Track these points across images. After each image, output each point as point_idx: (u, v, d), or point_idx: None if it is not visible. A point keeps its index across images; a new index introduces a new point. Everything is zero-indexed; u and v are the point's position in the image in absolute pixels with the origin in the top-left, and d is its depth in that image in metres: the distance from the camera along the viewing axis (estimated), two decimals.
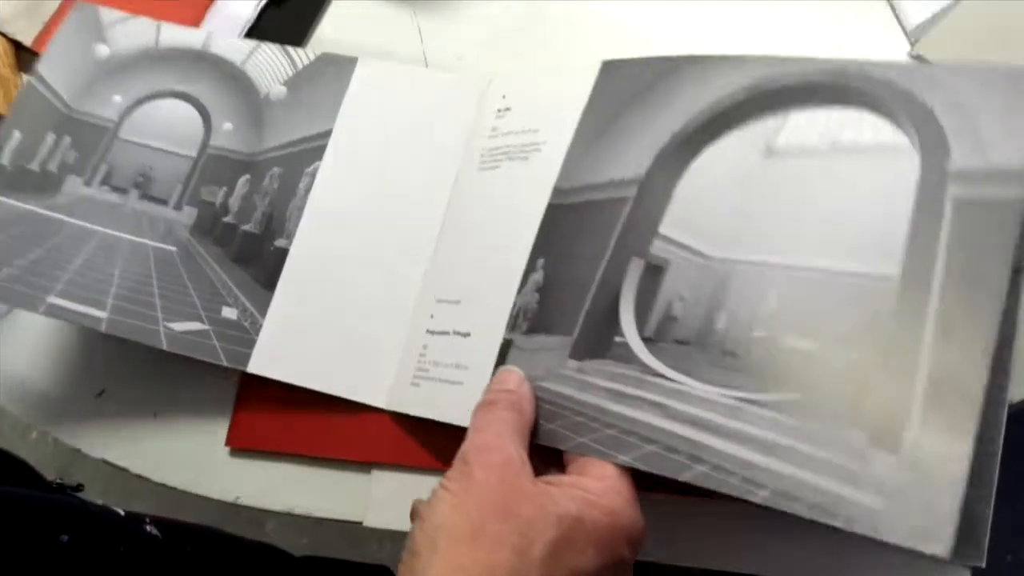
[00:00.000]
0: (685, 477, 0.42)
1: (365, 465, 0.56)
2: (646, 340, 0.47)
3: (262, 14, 0.72)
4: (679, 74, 0.52)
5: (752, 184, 0.47)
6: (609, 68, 0.55)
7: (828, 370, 0.41)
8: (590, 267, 0.50)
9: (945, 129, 0.43)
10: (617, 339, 0.48)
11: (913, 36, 0.53)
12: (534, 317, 0.51)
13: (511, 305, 0.52)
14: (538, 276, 0.52)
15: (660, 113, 0.52)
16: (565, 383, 0.48)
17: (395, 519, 0.54)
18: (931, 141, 0.43)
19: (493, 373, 0.50)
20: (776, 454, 0.40)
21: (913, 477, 0.37)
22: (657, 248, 0.48)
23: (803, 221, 0.45)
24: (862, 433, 0.39)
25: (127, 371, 0.64)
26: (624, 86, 0.54)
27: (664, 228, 0.49)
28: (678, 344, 0.46)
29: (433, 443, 0.55)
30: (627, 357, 0.47)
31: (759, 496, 0.40)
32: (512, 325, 0.52)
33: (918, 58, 0.51)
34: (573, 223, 0.52)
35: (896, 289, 0.41)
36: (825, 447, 0.40)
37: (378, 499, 0.55)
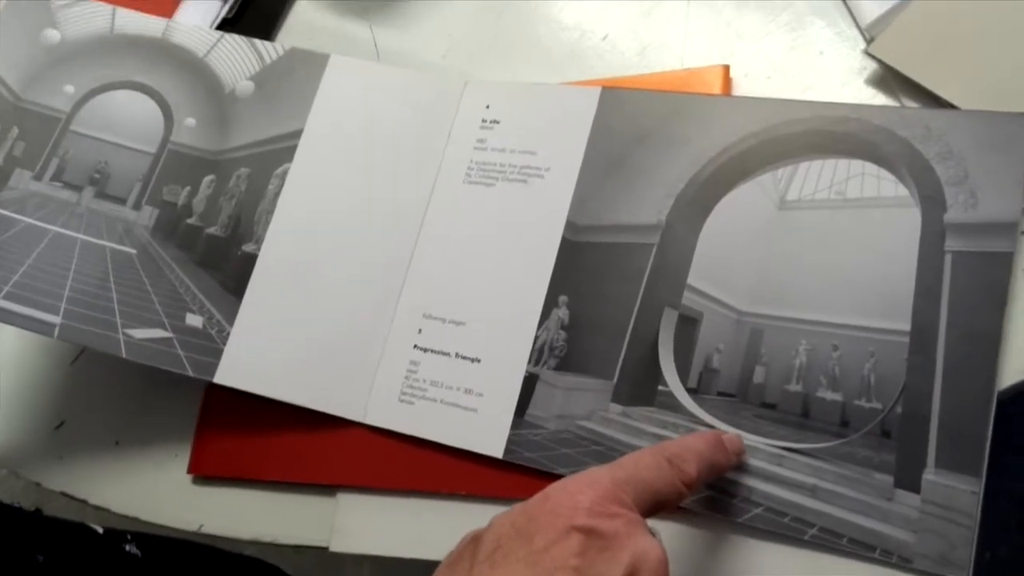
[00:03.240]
0: (743, 519, 0.44)
1: (330, 488, 0.52)
2: (689, 391, 0.48)
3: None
4: (686, 114, 0.51)
5: (770, 237, 0.49)
6: (609, 97, 0.53)
7: (855, 419, 0.44)
8: (620, 312, 0.50)
9: (941, 181, 0.45)
10: (661, 388, 0.48)
11: (869, 33, 0.51)
12: (564, 355, 0.50)
13: (531, 338, 0.50)
14: (562, 313, 0.50)
15: (672, 155, 0.51)
16: (611, 426, 0.48)
17: (361, 542, 0.50)
18: (929, 194, 0.45)
19: (517, 405, 0.49)
20: (819, 496, 0.43)
21: (935, 513, 0.41)
22: (689, 300, 0.49)
23: (820, 277, 0.47)
24: (887, 476, 0.42)
25: (87, 402, 0.59)
26: (629, 120, 0.52)
27: (693, 279, 0.49)
28: (721, 396, 0.47)
29: (403, 464, 0.51)
30: (673, 406, 0.48)
31: (808, 534, 0.43)
32: (536, 359, 0.50)
33: (873, 57, 0.50)
34: (596, 264, 0.51)
35: (907, 343, 0.44)
36: (858, 489, 0.43)
37: (343, 522, 0.51)
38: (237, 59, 0.60)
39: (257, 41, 0.60)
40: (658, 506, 0.36)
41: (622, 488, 0.35)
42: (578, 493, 0.34)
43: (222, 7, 0.64)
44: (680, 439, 0.40)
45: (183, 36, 0.61)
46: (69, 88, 0.60)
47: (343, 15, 0.64)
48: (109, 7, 0.61)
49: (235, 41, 0.60)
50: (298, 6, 0.66)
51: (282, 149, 0.56)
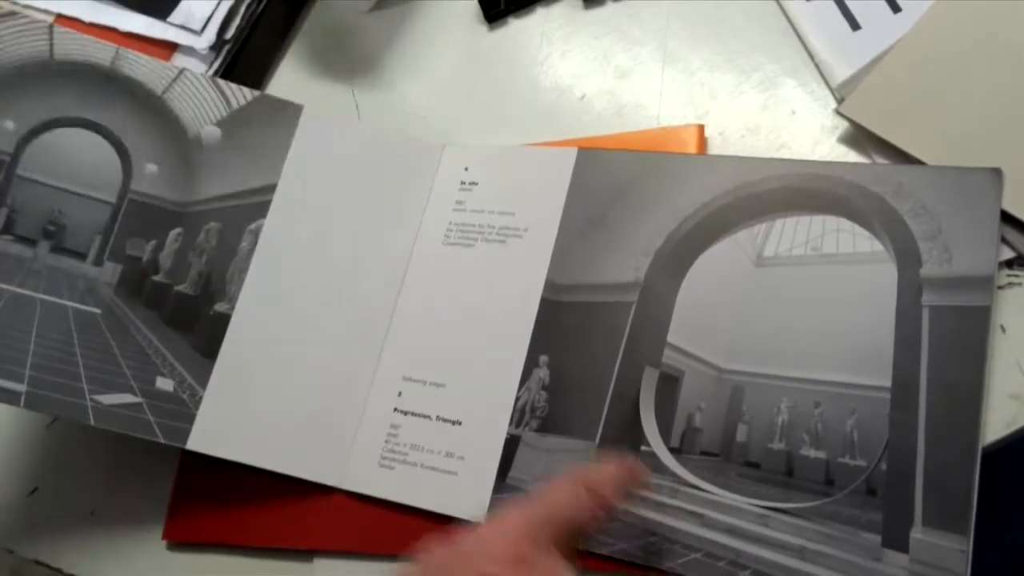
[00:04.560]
0: None
1: (307, 553, 0.51)
2: (672, 450, 0.47)
3: None
4: (662, 173, 0.51)
5: (748, 294, 0.49)
6: (586, 158, 0.53)
7: (839, 477, 0.44)
8: (601, 371, 0.49)
9: (915, 236, 0.46)
10: (643, 448, 0.48)
11: (839, 93, 0.52)
12: (545, 416, 0.49)
13: (512, 399, 0.49)
14: (543, 373, 0.50)
15: (649, 213, 0.51)
16: None
17: None
18: (904, 249, 0.46)
19: (499, 468, 0.48)
20: (807, 558, 0.43)
21: (924, 573, 0.40)
22: (669, 358, 0.49)
23: (800, 333, 0.47)
24: (875, 535, 0.42)
25: (62, 468, 0.57)
26: (606, 179, 0.52)
27: (673, 337, 0.49)
28: (705, 455, 0.47)
29: (382, 528, 0.50)
30: (657, 467, 0.47)
31: None
32: (517, 421, 0.49)
33: (844, 116, 0.51)
34: (575, 323, 0.50)
35: (889, 399, 0.44)
36: (846, 549, 0.42)
37: None
38: (200, 100, 0.57)
39: (221, 81, 0.57)
40: (576, 535, 0.37)
41: (537, 528, 0.35)
42: (490, 541, 0.34)
43: (209, 68, 0.62)
44: (592, 466, 0.41)
45: (135, 67, 0.56)
46: (9, 124, 0.55)
47: (326, 76, 0.64)
48: (46, 24, 0.56)
49: (196, 79, 0.57)
50: (283, 68, 0.65)
51: (254, 204, 0.54)
